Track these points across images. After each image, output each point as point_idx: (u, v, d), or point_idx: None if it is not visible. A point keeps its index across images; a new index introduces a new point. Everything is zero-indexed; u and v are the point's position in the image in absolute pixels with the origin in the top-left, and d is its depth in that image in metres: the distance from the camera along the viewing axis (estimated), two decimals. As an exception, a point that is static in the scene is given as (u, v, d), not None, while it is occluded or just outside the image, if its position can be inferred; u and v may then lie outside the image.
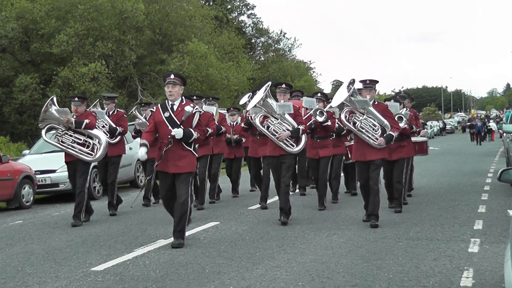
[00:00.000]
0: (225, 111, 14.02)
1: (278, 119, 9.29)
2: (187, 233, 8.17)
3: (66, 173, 13.10)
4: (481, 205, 10.84)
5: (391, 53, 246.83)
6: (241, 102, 12.88)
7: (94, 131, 10.04)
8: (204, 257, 7.12)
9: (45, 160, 14.13)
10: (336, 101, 9.15)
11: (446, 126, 66.63)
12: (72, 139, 9.88)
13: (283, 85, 9.72)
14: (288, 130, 9.22)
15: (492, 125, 46.87)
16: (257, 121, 9.48)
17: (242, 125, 10.78)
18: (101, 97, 13.32)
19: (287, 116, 9.29)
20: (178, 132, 7.59)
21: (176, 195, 7.80)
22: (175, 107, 7.78)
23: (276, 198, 9.96)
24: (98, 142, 9.98)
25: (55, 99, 10.15)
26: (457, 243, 7.57)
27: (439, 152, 28.88)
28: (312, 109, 10.56)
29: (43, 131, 10.11)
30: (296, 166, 12.67)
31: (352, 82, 8.88)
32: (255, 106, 9.45)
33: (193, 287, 5.90)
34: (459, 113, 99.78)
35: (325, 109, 10.49)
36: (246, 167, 13.62)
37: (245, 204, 11.66)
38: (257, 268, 6.52)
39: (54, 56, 31.25)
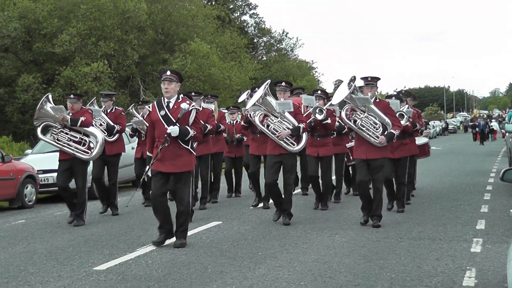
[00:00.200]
0: (225, 110, 13.89)
1: (278, 118, 9.17)
2: (189, 233, 8.17)
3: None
4: (484, 205, 10.84)
5: (393, 52, 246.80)
6: (240, 99, 12.76)
7: (90, 129, 9.91)
8: (207, 257, 7.12)
9: (48, 160, 14.11)
10: (336, 98, 9.01)
11: (449, 126, 66.56)
12: (68, 137, 9.76)
13: (283, 83, 9.61)
14: (288, 128, 9.09)
15: (494, 125, 46.88)
16: (257, 120, 9.36)
17: (242, 123, 10.70)
18: (98, 94, 13.22)
19: (287, 114, 9.15)
20: (173, 130, 7.46)
21: (177, 197, 7.73)
22: (171, 105, 7.63)
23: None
24: (95, 140, 9.87)
25: (50, 96, 10.02)
26: (460, 243, 7.57)
27: (441, 152, 28.86)
28: (311, 107, 10.43)
29: (39, 129, 9.95)
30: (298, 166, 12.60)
31: (353, 79, 8.75)
32: (254, 104, 9.29)
33: (195, 286, 5.90)
34: (461, 113, 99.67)
35: (324, 107, 10.38)
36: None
37: (247, 203, 11.65)
38: (259, 268, 6.52)
39: (56, 55, 31.28)
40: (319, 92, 11.09)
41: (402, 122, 9.69)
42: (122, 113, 11.41)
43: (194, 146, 7.97)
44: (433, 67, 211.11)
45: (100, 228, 9.53)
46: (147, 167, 7.74)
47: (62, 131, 9.78)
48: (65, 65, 30.92)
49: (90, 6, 31.59)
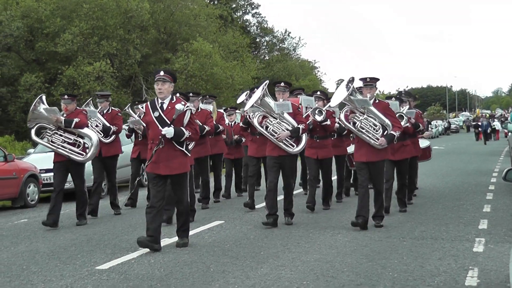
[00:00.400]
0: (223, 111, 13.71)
1: (277, 119, 9.00)
2: (192, 232, 8.18)
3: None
4: (486, 204, 10.82)
5: (396, 52, 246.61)
6: (239, 100, 12.64)
7: (85, 130, 9.75)
8: (209, 256, 7.12)
9: (50, 159, 13.98)
10: (335, 100, 8.77)
11: (451, 126, 66.52)
12: (62, 139, 9.59)
13: (282, 84, 9.37)
14: (287, 129, 8.93)
15: (497, 124, 46.80)
16: (256, 121, 9.19)
17: (241, 124, 10.51)
18: (94, 95, 13.10)
19: (286, 115, 8.99)
20: (168, 131, 7.29)
21: (176, 200, 7.66)
22: (164, 106, 7.47)
23: (264, 203, 9.61)
24: (90, 141, 9.72)
25: (44, 97, 9.83)
26: (462, 243, 7.56)
27: (444, 152, 28.84)
28: (310, 108, 10.24)
29: (33, 131, 9.75)
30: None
31: (352, 80, 8.54)
32: (253, 105, 9.13)
33: (197, 286, 5.90)
34: (463, 113, 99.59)
35: (324, 108, 10.22)
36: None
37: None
38: (261, 267, 6.52)
39: (59, 55, 31.33)
40: (318, 93, 10.93)
41: (402, 123, 9.49)
42: (119, 114, 11.27)
43: (189, 147, 7.84)
44: (435, 67, 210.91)
45: (102, 228, 9.54)
46: (142, 168, 7.64)
47: (56, 133, 9.60)
48: (67, 65, 30.97)
49: (92, 6, 31.63)
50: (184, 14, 36.92)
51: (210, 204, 11.44)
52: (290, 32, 56.36)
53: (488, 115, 71.16)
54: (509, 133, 19.38)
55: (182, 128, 7.40)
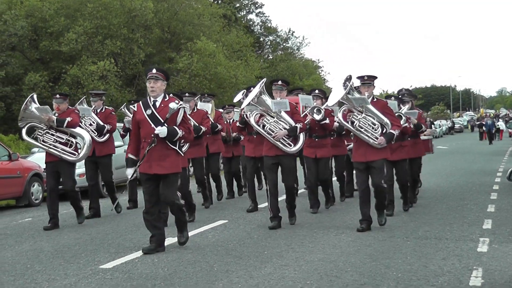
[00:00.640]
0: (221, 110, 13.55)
1: (274, 118, 8.79)
2: (195, 231, 8.18)
3: (76, 171, 13.19)
4: (490, 204, 10.80)
5: (399, 51, 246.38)
6: (235, 99, 12.52)
7: (77, 130, 9.61)
8: (212, 256, 7.12)
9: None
10: (332, 99, 8.58)
11: (455, 125, 66.45)
12: (54, 138, 9.45)
13: (279, 82, 9.14)
14: (285, 128, 8.73)
15: (501, 124, 46.77)
16: (252, 120, 9.00)
17: (238, 124, 10.20)
18: (88, 94, 12.97)
19: (283, 114, 8.77)
20: (162, 131, 7.12)
21: (165, 199, 7.38)
22: (157, 104, 7.30)
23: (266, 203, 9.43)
24: (82, 141, 9.58)
25: (35, 96, 9.68)
26: (466, 243, 7.55)
27: (447, 151, 28.81)
28: (309, 107, 10.07)
29: (23, 131, 9.64)
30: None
31: (349, 78, 8.34)
32: (249, 104, 8.92)
33: (201, 285, 5.91)
34: (467, 112, 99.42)
35: (323, 107, 10.05)
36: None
37: (253, 202, 11.63)
38: (265, 267, 6.52)
39: (63, 54, 31.39)
40: (316, 91, 10.73)
41: (401, 123, 9.30)
42: (112, 112, 11.11)
43: (183, 148, 7.68)
44: (439, 66, 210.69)
45: (106, 227, 9.55)
46: (134, 169, 7.46)
47: (48, 132, 9.45)
48: (71, 64, 31.02)
49: (96, 5, 31.69)
50: (188, 14, 36.95)
51: (215, 202, 11.43)
52: (294, 32, 56.46)
53: (492, 114, 71.09)
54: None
55: (175, 127, 7.25)
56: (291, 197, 9.09)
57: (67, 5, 32.15)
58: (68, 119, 9.41)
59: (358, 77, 8.62)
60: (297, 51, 54.54)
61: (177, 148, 7.34)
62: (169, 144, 7.26)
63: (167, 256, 7.13)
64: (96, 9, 31.70)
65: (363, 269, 6.33)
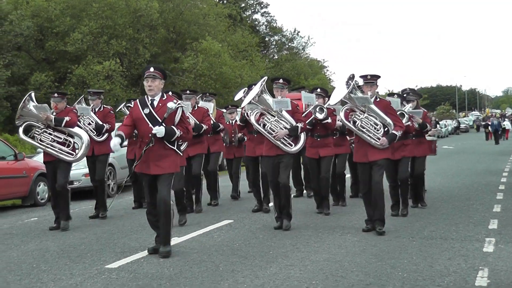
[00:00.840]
0: (224, 110, 13.32)
1: (275, 117, 8.64)
2: (201, 231, 8.17)
3: (81, 171, 13.19)
4: (496, 204, 10.78)
5: (405, 51, 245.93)
6: (236, 98, 12.30)
7: (75, 129, 9.48)
8: (218, 255, 7.13)
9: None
10: (334, 99, 8.46)
11: (461, 125, 66.31)
12: (52, 138, 9.31)
13: (280, 80, 8.99)
14: (285, 128, 8.57)
15: (507, 124, 46.64)
16: (253, 119, 8.85)
17: (238, 122, 10.04)
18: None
19: (284, 113, 8.62)
20: (159, 131, 6.98)
21: (157, 198, 7.21)
22: (155, 103, 7.15)
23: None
24: (80, 141, 9.47)
25: (33, 94, 9.53)
26: (472, 243, 7.53)
27: (453, 151, 28.75)
28: (311, 105, 9.98)
29: (20, 129, 9.47)
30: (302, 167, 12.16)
31: (352, 77, 8.21)
32: (250, 102, 8.78)
33: (207, 285, 5.91)
34: (473, 112, 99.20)
35: (325, 106, 9.96)
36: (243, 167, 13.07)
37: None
38: (270, 267, 6.52)
39: (68, 54, 31.47)
40: (318, 90, 10.60)
41: (403, 121, 9.10)
42: (111, 111, 10.98)
43: (181, 147, 7.61)
44: (445, 66, 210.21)
45: (112, 227, 9.57)
46: (119, 140, 7.07)
47: (46, 131, 9.31)
48: (77, 64, 31.09)
49: (102, 5, 31.76)
50: (193, 13, 36.98)
51: (214, 203, 11.40)
52: (299, 31, 56.50)
53: (498, 114, 70.89)
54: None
55: (173, 127, 7.15)
56: (286, 198, 8.69)
57: (73, 5, 32.24)
58: (67, 118, 9.28)
59: (361, 76, 8.53)
60: (302, 51, 54.58)
61: (175, 148, 7.24)
62: (167, 144, 7.16)
63: (173, 256, 7.13)
64: (102, 9, 31.77)
65: (368, 269, 6.33)
